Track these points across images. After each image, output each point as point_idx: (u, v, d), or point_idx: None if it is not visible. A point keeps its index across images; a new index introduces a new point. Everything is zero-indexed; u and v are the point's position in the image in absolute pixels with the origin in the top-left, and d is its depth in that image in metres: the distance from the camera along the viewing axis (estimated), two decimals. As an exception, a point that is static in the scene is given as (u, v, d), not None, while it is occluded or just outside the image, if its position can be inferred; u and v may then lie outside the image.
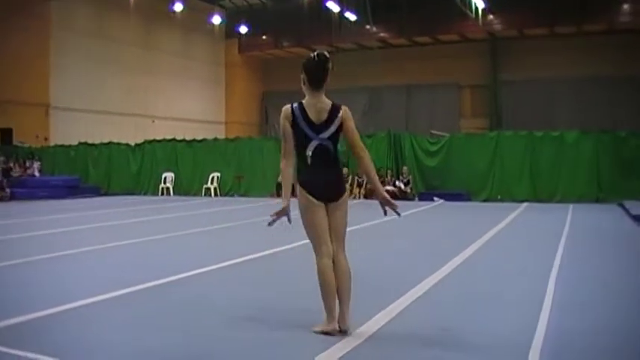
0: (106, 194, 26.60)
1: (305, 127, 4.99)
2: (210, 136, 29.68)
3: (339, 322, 4.94)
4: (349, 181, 22.77)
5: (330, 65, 5.06)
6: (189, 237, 12.19)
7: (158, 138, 28.71)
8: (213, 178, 25.54)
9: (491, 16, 37.10)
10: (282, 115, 5.05)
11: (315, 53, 5.08)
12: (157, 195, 25.93)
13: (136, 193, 26.68)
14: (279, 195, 5.46)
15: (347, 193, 5.25)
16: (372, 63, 40.03)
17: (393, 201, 5.17)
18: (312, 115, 5.02)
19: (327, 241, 5.04)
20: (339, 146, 5.08)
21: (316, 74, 5.05)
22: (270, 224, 5.11)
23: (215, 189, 25.36)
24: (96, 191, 26.71)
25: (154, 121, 37.42)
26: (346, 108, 5.14)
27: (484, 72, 39.26)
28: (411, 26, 38.26)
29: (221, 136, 35.72)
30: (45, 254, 9.53)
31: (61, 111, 32.18)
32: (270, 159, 24.71)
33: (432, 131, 24.65)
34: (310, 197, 5.01)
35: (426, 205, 19.34)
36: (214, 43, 44.04)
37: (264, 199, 22.59)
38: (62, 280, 7.73)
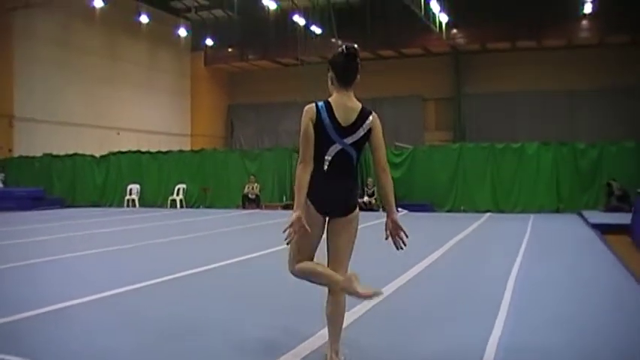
0: (70, 206, 26.44)
1: (330, 127, 4.31)
2: (175, 148, 29.67)
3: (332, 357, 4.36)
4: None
5: (359, 60, 4.49)
6: (152, 247, 12.27)
7: (123, 150, 28.62)
8: (178, 189, 25.55)
9: (454, 30, 37.67)
10: (304, 114, 4.36)
11: (344, 46, 4.41)
12: (123, 207, 25.85)
13: (101, 205, 26.55)
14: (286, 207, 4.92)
15: (357, 209, 4.56)
16: (337, 76, 40.25)
17: (403, 228, 4.52)
18: (339, 116, 4.35)
19: (304, 255, 4.47)
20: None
21: (346, 70, 4.44)
22: (287, 242, 4.30)
23: (181, 200, 25.37)
24: (61, 203, 26.54)
25: (118, 133, 37.25)
26: (376, 115, 4.51)
27: (448, 85, 39.77)
28: (376, 40, 38.61)
29: (186, 148, 35.70)
30: (11, 263, 9.58)
31: (25, 122, 31.90)
32: (235, 171, 24.89)
33: (397, 143, 24.92)
34: (312, 208, 4.36)
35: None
36: (180, 56, 44.03)
37: (230, 211, 22.69)
38: (25, 288, 7.82)
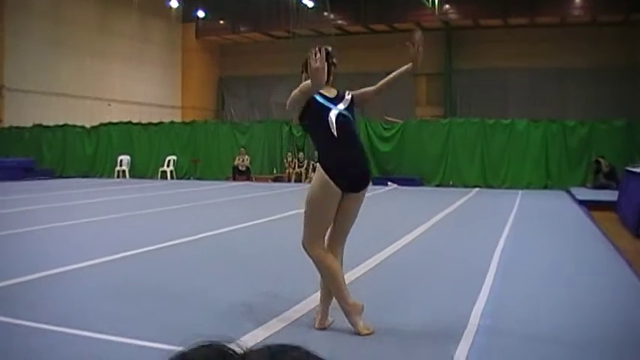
0: (60, 177, 26.44)
1: (322, 98, 4.72)
2: (165, 120, 29.62)
3: (321, 321, 4.75)
4: (304, 166, 23.04)
5: (333, 60, 4.87)
6: (142, 217, 12.35)
7: (114, 121, 28.58)
8: (169, 161, 25.56)
9: (447, 6, 37.60)
10: (298, 91, 4.74)
11: (317, 49, 4.62)
12: (113, 178, 25.88)
13: (91, 175, 26.56)
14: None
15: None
16: (328, 49, 40.18)
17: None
18: (326, 93, 4.77)
19: (323, 236, 4.78)
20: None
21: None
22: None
23: (171, 172, 25.39)
24: (50, 173, 26.54)
25: (109, 105, 37.13)
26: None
27: (439, 61, 39.70)
28: (368, 14, 38.53)
29: (177, 120, 35.66)
30: (5, 231, 9.66)
31: (15, 92, 31.75)
32: (225, 143, 24.89)
33: (386, 117, 24.95)
34: (333, 185, 4.58)
35: (379, 190, 19.72)
36: (171, 27, 43.77)
37: (220, 183, 22.76)
38: (17, 255, 7.90)
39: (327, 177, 4.53)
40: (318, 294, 4.86)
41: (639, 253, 8.50)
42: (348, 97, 4.86)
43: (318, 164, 4.72)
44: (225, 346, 0.89)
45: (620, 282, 6.64)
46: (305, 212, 4.72)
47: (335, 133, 4.62)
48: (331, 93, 4.81)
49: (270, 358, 0.87)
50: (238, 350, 0.88)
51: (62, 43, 34.32)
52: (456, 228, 10.91)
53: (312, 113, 4.71)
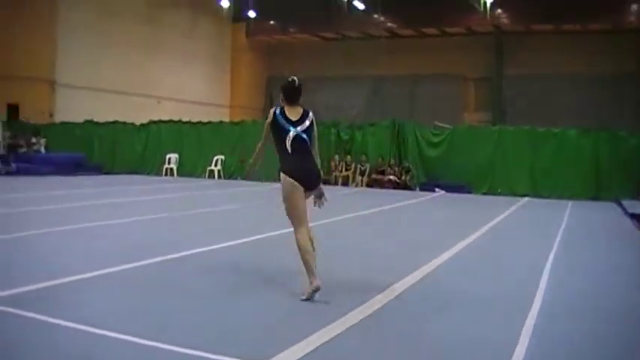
0: (109, 172, 26.80)
1: (283, 121, 6.17)
2: (214, 119, 29.84)
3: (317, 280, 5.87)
4: (352, 169, 22.99)
5: (301, 89, 6.34)
6: (198, 216, 12.45)
7: (164, 119, 28.87)
8: (217, 160, 25.75)
9: (498, 10, 37.28)
10: (268, 120, 6.28)
11: (290, 79, 6.34)
12: (161, 175, 26.16)
13: (139, 172, 26.88)
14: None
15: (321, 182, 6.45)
16: (377, 52, 40.14)
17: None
18: (289, 115, 6.22)
19: (305, 222, 6.17)
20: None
21: (291, 95, 6.31)
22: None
23: (219, 171, 25.58)
24: (99, 169, 26.93)
25: (159, 102, 37.59)
26: (312, 113, 6.39)
27: (489, 66, 39.41)
28: (419, 17, 38.40)
29: (225, 119, 35.91)
30: (55, 227, 9.81)
31: (66, 88, 32.32)
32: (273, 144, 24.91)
33: (437, 122, 24.79)
34: (295, 183, 6.11)
35: (427, 196, 19.61)
36: (221, 26, 44.16)
37: (267, 184, 22.81)
38: (71, 252, 8.02)
39: (290, 179, 6.10)
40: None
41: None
42: (307, 122, 6.25)
43: (281, 173, 6.17)
44: None
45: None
46: (285, 209, 6.23)
47: (289, 150, 6.14)
48: (295, 115, 6.23)
49: None
50: None
51: (112, 39, 34.83)
52: (506, 239, 10.79)
53: (275, 130, 6.23)
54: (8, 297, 5.53)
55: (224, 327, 5.00)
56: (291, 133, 6.13)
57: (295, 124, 6.18)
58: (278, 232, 9.37)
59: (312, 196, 6.43)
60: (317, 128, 6.43)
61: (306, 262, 5.96)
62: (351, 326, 5.05)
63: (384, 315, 5.47)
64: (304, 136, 6.20)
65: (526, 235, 11.60)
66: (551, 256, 8.75)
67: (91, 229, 10.01)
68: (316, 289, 5.82)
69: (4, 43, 29.16)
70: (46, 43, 31.32)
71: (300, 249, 6.03)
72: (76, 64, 32.62)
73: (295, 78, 6.35)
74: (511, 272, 7.78)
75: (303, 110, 6.32)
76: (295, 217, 6.16)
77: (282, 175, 6.15)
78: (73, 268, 6.77)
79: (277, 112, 6.21)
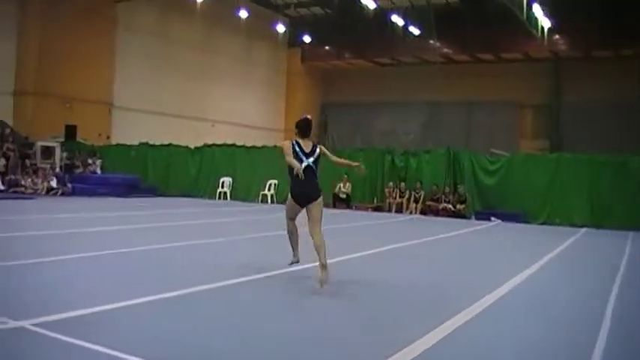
0: (163, 195, 27.00)
1: (299, 152, 7.73)
2: (268, 143, 29.92)
3: (320, 267, 7.50)
4: (406, 196, 22.69)
5: (312, 125, 8.06)
6: (248, 242, 12.35)
7: (218, 142, 29.04)
8: (270, 185, 25.73)
9: (556, 36, 36.75)
10: (288, 143, 7.83)
11: (304, 117, 8.00)
12: (214, 199, 26.24)
13: (192, 195, 27.01)
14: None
15: (322, 197, 7.95)
16: (433, 78, 39.93)
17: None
18: (304, 146, 7.81)
19: (293, 217, 8.11)
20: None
21: (305, 130, 7.92)
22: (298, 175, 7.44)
23: (272, 196, 25.55)
24: (154, 191, 27.16)
25: (213, 125, 37.92)
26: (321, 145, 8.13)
27: (546, 92, 38.84)
28: (475, 43, 38.09)
29: (279, 143, 36.00)
30: (107, 250, 9.77)
31: (123, 110, 32.87)
32: (327, 167, 24.64)
33: (493, 150, 24.37)
34: (293, 200, 7.94)
35: (483, 225, 19.22)
36: (276, 51, 44.48)
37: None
38: (117, 276, 7.93)
39: (291, 197, 7.96)
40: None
41: None
42: (317, 151, 7.87)
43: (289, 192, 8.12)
44: None
45: None
46: (286, 210, 8.13)
47: (301, 177, 7.44)
48: (307, 146, 7.80)
49: None
50: None
51: (168, 63, 35.40)
52: (566, 272, 10.41)
53: (293, 157, 7.62)
54: (58, 321, 5.41)
55: None
56: (304, 164, 7.63)
57: (308, 155, 7.77)
58: (345, 257, 9.18)
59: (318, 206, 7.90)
60: (325, 150, 8.11)
61: (290, 241, 8.30)
62: None
63: None
64: (313, 166, 7.79)
65: (585, 267, 11.18)
66: (614, 289, 8.37)
67: (139, 254, 9.95)
68: (295, 262, 8.33)
69: (67, 68, 29.78)
70: (106, 68, 32.03)
71: (287, 231, 8.27)
72: (132, 88, 33.20)
73: (309, 116, 8.06)
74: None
75: (313, 144, 7.93)
76: (288, 213, 8.12)
77: (289, 193, 8.04)
78: (124, 293, 6.66)
79: (294, 142, 7.75)
